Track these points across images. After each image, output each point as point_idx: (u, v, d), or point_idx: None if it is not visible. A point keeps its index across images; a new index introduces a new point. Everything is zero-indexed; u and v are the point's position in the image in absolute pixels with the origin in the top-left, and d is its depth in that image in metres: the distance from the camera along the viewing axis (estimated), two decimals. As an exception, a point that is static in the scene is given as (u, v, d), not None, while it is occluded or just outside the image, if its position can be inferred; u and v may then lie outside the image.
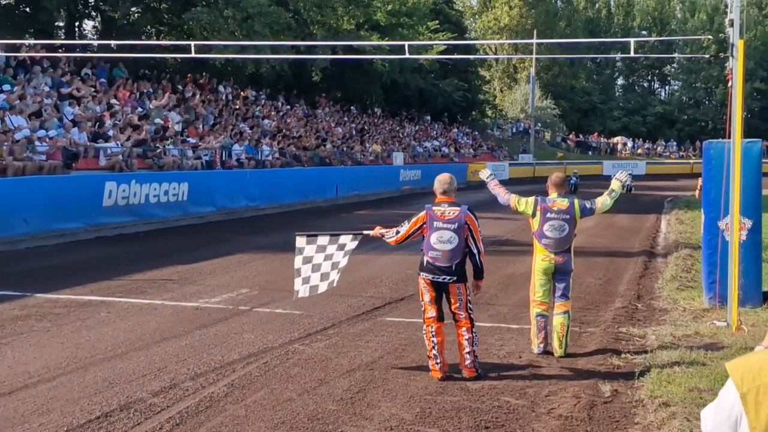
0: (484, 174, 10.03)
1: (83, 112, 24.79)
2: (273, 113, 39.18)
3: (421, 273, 8.30)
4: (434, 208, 8.31)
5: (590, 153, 73.71)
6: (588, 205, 9.41)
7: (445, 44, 41.61)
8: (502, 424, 6.94)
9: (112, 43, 31.75)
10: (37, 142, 20.88)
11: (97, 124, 24.45)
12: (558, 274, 9.24)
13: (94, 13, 38.97)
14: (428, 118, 60.63)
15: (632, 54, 14.07)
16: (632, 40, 12.38)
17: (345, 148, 40.32)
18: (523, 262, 14.70)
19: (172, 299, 12.15)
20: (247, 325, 10.52)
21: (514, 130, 75.52)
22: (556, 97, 75.93)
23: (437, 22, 53.06)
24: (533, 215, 9.24)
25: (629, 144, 77.75)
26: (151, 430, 6.67)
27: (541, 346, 9.25)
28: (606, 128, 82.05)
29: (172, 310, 11.42)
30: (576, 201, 9.38)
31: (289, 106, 42.91)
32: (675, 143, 79.54)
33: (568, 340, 9.26)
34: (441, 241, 8.16)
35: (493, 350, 9.40)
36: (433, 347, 8.22)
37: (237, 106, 37.05)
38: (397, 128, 53.64)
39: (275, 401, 7.43)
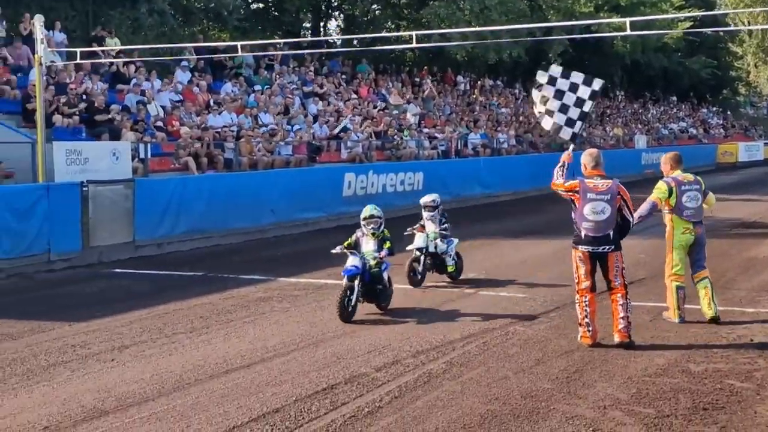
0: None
1: (326, 107, 26.09)
2: (510, 101, 39.21)
3: (579, 246, 8.65)
4: (586, 180, 8.69)
5: None
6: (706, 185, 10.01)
7: (675, 17, 39.56)
8: (722, 406, 6.72)
9: (354, 38, 33.10)
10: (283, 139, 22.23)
11: (339, 118, 25.60)
12: (695, 246, 9.65)
13: (336, 13, 40.85)
14: (674, 98, 58.10)
15: None
16: None
17: (584, 133, 39.58)
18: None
19: (403, 282, 12.60)
20: (470, 307, 10.75)
21: (770, 107, 70.75)
22: (819, 70, 70.15)
23: (683, -3, 50.58)
24: (670, 194, 9.58)
25: None
26: (371, 401, 7.04)
27: (683, 316, 9.62)
28: None
29: (402, 292, 11.84)
30: (699, 177, 9.96)
31: (525, 93, 42.72)
32: None
33: (716, 301, 9.59)
34: (594, 212, 8.52)
35: (722, 333, 9.07)
36: (586, 316, 8.59)
37: (474, 96, 37.44)
38: (640, 110, 51.87)
39: (491, 379, 7.59)
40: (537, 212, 22.70)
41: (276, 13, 37.11)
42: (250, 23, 33.75)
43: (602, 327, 8.84)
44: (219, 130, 20.84)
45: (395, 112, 28.91)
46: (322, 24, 40.15)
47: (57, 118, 17.67)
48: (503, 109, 37.03)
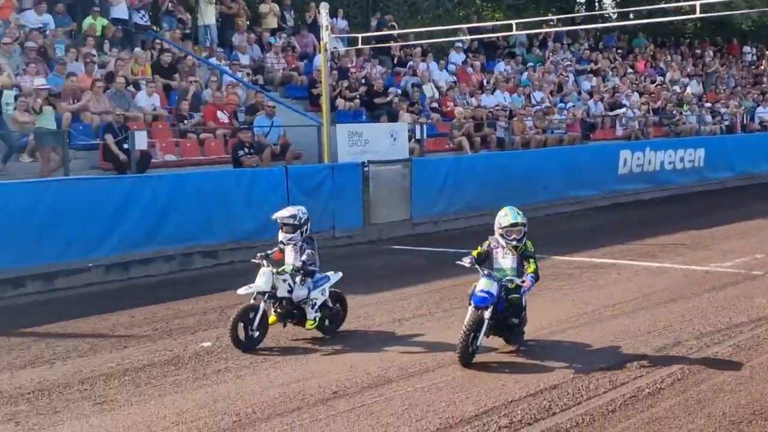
0: None
1: (601, 83, 25.50)
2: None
3: None
4: None
5: None
6: None
7: None
8: None
9: (630, 11, 31.98)
10: (557, 116, 22.00)
11: (614, 94, 24.91)
12: None
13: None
14: None
15: None
16: None
17: None
18: None
19: (683, 263, 12.17)
20: (758, 290, 10.19)
21: None
22: None
23: None
24: None
25: None
26: (652, 382, 6.87)
27: None
28: None
29: (682, 273, 11.44)
30: None
31: (820, 62, 39.27)
32: None
33: None
34: None
35: None
36: None
37: (761, 67, 35.02)
38: None
39: (782, 365, 7.17)
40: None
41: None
42: (523, 1, 33.57)
43: None
44: (492, 109, 20.98)
45: (674, 87, 27.70)
46: (596, -1, 39.17)
47: (339, 102, 18.61)
48: (795, 80, 34.31)
